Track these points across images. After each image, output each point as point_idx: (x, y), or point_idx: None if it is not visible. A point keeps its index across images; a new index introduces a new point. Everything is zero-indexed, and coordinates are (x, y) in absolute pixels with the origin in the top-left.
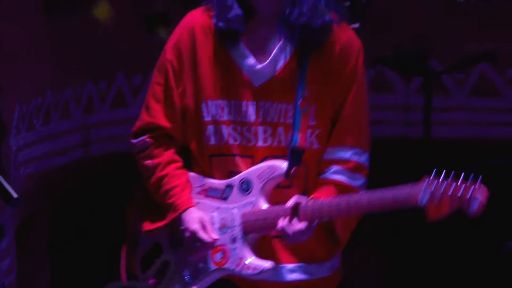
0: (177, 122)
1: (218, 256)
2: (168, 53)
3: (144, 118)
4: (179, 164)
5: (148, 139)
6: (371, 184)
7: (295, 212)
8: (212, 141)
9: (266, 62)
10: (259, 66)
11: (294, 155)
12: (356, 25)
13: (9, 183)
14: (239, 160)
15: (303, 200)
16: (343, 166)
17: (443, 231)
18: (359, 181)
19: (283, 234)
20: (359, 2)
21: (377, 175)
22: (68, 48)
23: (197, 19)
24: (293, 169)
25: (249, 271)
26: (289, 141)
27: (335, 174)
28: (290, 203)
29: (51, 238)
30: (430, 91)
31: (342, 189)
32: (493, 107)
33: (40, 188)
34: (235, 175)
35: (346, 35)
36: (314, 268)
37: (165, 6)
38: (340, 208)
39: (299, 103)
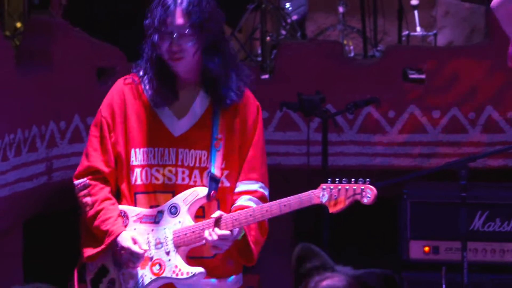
0: (111, 167)
1: (156, 268)
2: (103, 111)
3: (84, 163)
4: (113, 201)
5: (88, 181)
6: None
7: (217, 222)
8: (138, 181)
9: (184, 117)
10: (178, 120)
11: (212, 182)
12: (266, 76)
13: None
14: (160, 196)
15: (223, 213)
16: (252, 195)
17: None
18: None
19: (210, 243)
20: (269, 57)
21: (285, 194)
22: (34, 94)
23: (126, 83)
24: (212, 192)
25: (184, 276)
26: (208, 171)
27: (246, 201)
28: (214, 215)
29: (24, 248)
30: (326, 129)
31: None
32: (377, 141)
33: (14, 207)
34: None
35: (247, 96)
36: (224, 283)
37: (113, 61)
38: (255, 215)
39: (214, 143)
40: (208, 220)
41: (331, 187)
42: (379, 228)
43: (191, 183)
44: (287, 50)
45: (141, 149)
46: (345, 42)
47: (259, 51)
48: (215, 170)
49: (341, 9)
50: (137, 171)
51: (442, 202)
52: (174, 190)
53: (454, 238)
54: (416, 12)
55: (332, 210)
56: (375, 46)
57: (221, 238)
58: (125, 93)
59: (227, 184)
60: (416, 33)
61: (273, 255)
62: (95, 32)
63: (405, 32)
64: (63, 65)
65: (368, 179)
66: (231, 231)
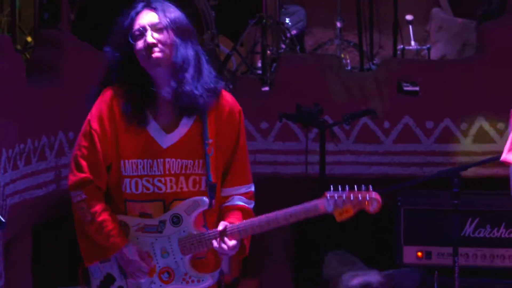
0: (103, 177)
1: (164, 276)
2: (93, 123)
3: (77, 174)
4: (110, 210)
5: (83, 194)
6: (280, 207)
7: (224, 233)
8: (128, 190)
9: (173, 132)
10: (166, 135)
11: (211, 190)
12: (267, 89)
13: None
14: (149, 204)
15: (228, 224)
16: (242, 195)
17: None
18: (252, 204)
19: (219, 251)
20: (269, 70)
21: (284, 202)
22: (43, 106)
23: (114, 95)
24: (213, 200)
25: (195, 283)
26: (206, 180)
27: (238, 201)
28: (220, 227)
29: (33, 251)
30: (324, 139)
31: (244, 211)
32: (372, 151)
33: (23, 214)
34: (146, 216)
35: (230, 101)
36: (216, 274)
37: None
38: (262, 225)
39: (206, 149)
40: (214, 230)
41: (336, 196)
42: (375, 234)
43: (178, 189)
44: (286, 64)
45: (131, 161)
46: (342, 55)
47: (260, 64)
48: (212, 177)
49: (338, 24)
50: (128, 181)
51: (434, 209)
52: (164, 198)
53: (446, 244)
54: (410, 27)
55: (339, 218)
56: (371, 60)
57: (231, 248)
58: (113, 105)
59: None
60: (410, 47)
61: (274, 261)
62: (102, 46)
63: (400, 46)
64: (71, 77)
65: (370, 186)
66: (238, 240)
